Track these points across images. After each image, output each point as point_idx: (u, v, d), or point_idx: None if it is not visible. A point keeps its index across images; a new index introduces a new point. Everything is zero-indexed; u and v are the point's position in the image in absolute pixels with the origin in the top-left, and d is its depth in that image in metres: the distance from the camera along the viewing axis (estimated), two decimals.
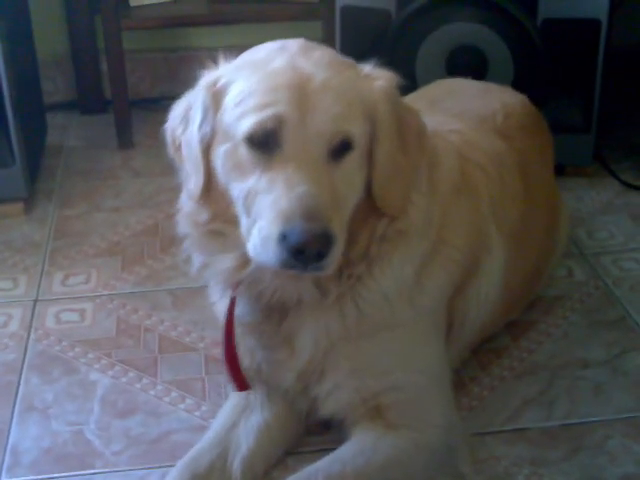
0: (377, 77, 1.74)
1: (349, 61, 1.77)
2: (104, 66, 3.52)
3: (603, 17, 2.89)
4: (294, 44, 1.74)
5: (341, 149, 1.65)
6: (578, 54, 2.97)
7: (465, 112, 2.29)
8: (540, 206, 2.30)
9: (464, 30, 2.96)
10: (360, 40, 3.05)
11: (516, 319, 2.37)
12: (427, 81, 2.67)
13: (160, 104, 3.65)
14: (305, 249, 1.55)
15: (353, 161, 1.68)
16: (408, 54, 3.00)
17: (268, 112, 1.62)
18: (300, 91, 1.63)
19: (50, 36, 3.63)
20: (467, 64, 2.96)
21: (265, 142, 1.62)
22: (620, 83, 3.39)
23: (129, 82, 3.46)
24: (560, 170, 2.90)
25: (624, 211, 2.95)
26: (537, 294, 2.46)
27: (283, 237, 1.56)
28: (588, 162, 3.13)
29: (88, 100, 3.73)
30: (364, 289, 1.80)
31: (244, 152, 1.65)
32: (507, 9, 2.89)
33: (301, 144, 1.61)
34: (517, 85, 2.70)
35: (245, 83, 1.68)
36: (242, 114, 1.65)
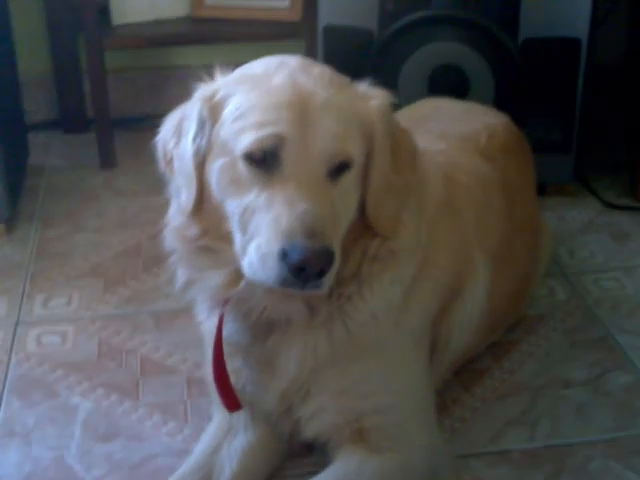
0: (373, 96, 1.74)
1: (346, 79, 1.77)
2: (86, 85, 3.51)
3: (583, 36, 2.91)
4: (293, 60, 1.74)
5: (340, 168, 1.65)
6: (559, 73, 2.99)
7: (449, 132, 2.30)
8: (523, 226, 2.31)
9: (446, 50, 2.98)
10: (342, 60, 3.02)
11: (498, 339, 2.38)
12: (409, 100, 2.68)
13: (143, 123, 3.66)
14: (307, 266, 1.55)
15: (350, 180, 1.68)
16: (390, 73, 3.00)
17: (269, 130, 1.61)
18: (301, 109, 1.62)
19: (32, 55, 3.62)
20: (449, 83, 2.97)
21: (264, 159, 1.61)
22: (601, 102, 3.41)
23: (111, 101, 3.45)
24: (541, 189, 2.91)
25: (605, 230, 2.97)
26: (520, 315, 2.47)
27: (284, 254, 1.55)
28: (569, 181, 3.14)
29: (70, 119, 3.72)
30: (353, 309, 1.80)
31: (242, 168, 1.64)
32: (488, 29, 2.91)
33: (302, 163, 1.61)
34: (498, 104, 2.72)
35: (244, 98, 1.66)
36: (241, 130, 1.64)
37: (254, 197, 1.62)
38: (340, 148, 1.64)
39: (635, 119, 3.19)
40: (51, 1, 3.54)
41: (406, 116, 2.45)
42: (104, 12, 3.40)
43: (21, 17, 3.51)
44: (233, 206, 1.66)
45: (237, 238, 1.66)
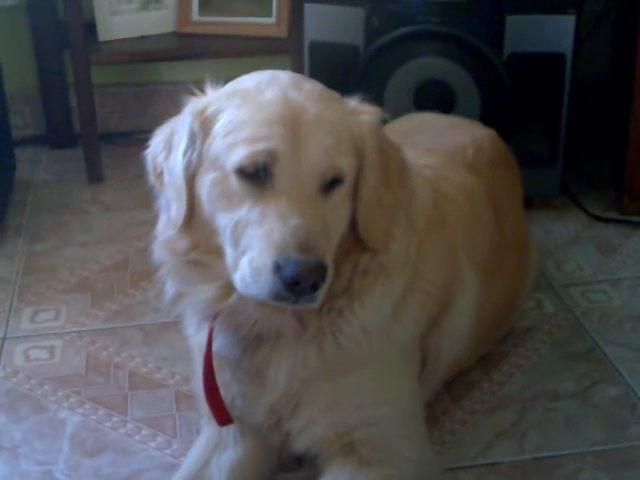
0: (363, 112, 1.75)
1: (336, 95, 1.77)
2: (73, 101, 3.52)
3: (568, 51, 2.93)
4: (284, 75, 1.74)
5: (331, 183, 1.65)
6: (544, 88, 3.01)
7: (435, 147, 2.30)
8: (510, 240, 2.32)
9: (431, 65, 2.99)
10: (329, 75, 3.04)
11: (487, 351, 2.38)
12: (395, 115, 2.68)
13: (129, 138, 3.67)
14: (300, 280, 1.54)
15: (342, 195, 1.68)
16: (376, 89, 3.02)
17: (261, 146, 1.60)
18: (293, 124, 1.62)
19: (19, 71, 3.62)
20: (435, 98, 2.98)
21: (257, 174, 1.61)
22: (586, 116, 3.44)
23: (98, 117, 3.45)
24: (528, 203, 2.92)
25: (591, 243, 2.98)
26: (509, 327, 2.47)
27: (277, 268, 1.55)
28: (555, 194, 3.16)
29: (57, 135, 3.72)
30: (344, 323, 1.79)
31: (234, 182, 1.63)
32: (473, 44, 2.92)
33: (294, 178, 1.60)
34: (484, 119, 2.74)
35: (236, 112, 1.66)
36: (233, 144, 1.63)
37: (246, 211, 1.62)
38: (332, 163, 1.64)
39: (620, 133, 3.21)
40: (37, 17, 3.54)
41: (392, 130, 2.45)
42: (90, 28, 3.39)
43: (7, 32, 3.52)
44: (224, 220, 1.66)
45: (228, 252, 1.66)
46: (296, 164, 1.61)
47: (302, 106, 1.65)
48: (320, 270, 1.56)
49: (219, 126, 1.67)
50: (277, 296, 1.58)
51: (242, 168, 1.62)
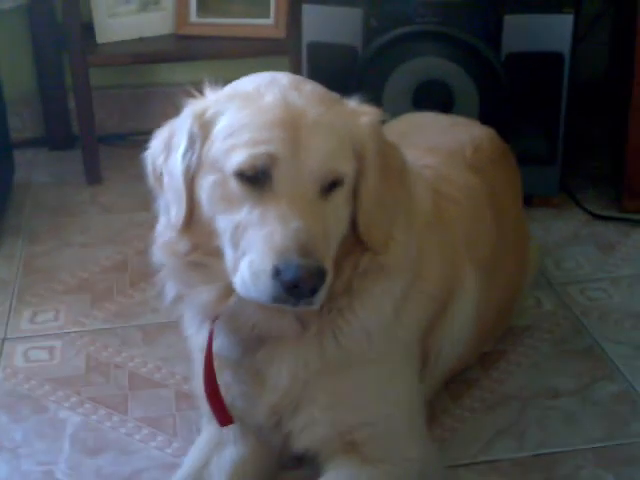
0: (363, 113, 1.74)
1: (336, 96, 1.76)
2: (72, 103, 3.51)
3: (566, 51, 2.94)
4: (284, 78, 1.73)
5: (331, 185, 1.65)
6: (542, 87, 3.01)
7: (434, 146, 2.30)
8: (510, 238, 2.32)
9: (430, 65, 3.00)
10: (327, 76, 3.03)
11: (488, 350, 2.38)
12: (394, 115, 2.68)
13: (128, 140, 3.67)
14: (300, 284, 1.55)
15: (342, 197, 1.68)
16: (375, 89, 3.02)
17: (260, 149, 1.60)
18: (293, 128, 1.61)
19: (17, 73, 3.62)
20: (433, 98, 2.99)
21: (256, 177, 1.61)
22: (585, 114, 3.44)
23: (97, 118, 3.45)
24: (527, 201, 2.92)
25: (590, 241, 2.99)
26: (508, 325, 2.47)
27: (277, 272, 1.55)
28: (554, 193, 3.16)
29: (56, 136, 3.72)
30: (345, 323, 1.79)
31: (233, 185, 1.63)
32: (472, 44, 2.93)
33: (294, 181, 1.60)
34: (483, 118, 2.73)
35: (236, 115, 1.66)
36: (232, 147, 1.63)
37: (246, 214, 1.62)
38: (332, 166, 1.64)
39: (619, 131, 3.22)
40: (36, 19, 3.54)
41: (391, 130, 2.46)
42: (88, 30, 3.40)
43: (6, 35, 3.52)
44: (224, 222, 1.65)
45: (228, 254, 1.66)
46: (296, 167, 1.60)
47: (302, 109, 1.65)
48: (319, 274, 1.56)
49: (219, 129, 1.67)
50: (277, 299, 1.58)
51: (242, 171, 1.62)
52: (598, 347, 2.44)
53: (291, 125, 1.62)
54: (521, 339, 2.47)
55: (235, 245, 1.63)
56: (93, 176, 3.42)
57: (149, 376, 2.36)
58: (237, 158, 1.62)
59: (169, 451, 2.10)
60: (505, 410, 2.21)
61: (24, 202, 3.31)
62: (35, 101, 3.70)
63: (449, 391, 2.26)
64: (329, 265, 1.61)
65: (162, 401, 2.26)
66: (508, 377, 2.33)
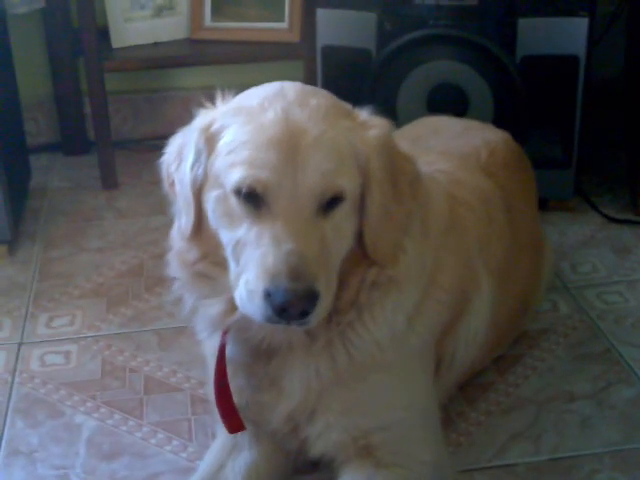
0: (372, 126, 1.72)
1: (345, 108, 1.75)
2: (87, 108, 3.52)
3: (581, 53, 2.93)
4: (291, 89, 1.72)
5: (332, 202, 1.64)
6: (557, 90, 3.00)
7: (449, 150, 2.30)
8: (525, 242, 2.32)
9: (444, 68, 3.00)
10: (341, 79, 3.08)
11: (502, 353, 2.38)
12: (408, 119, 2.69)
13: (143, 144, 3.68)
14: (288, 308, 1.56)
15: (344, 212, 1.67)
16: (389, 92, 3.03)
17: (256, 169, 1.61)
18: (291, 147, 1.61)
19: (33, 78, 3.64)
20: (448, 102, 2.99)
21: (253, 196, 1.62)
22: (599, 117, 3.43)
23: (112, 123, 3.47)
24: (543, 204, 2.92)
25: (606, 244, 2.98)
26: (523, 329, 2.47)
27: (267, 294, 1.56)
28: (570, 196, 3.15)
29: (72, 141, 3.74)
30: (355, 335, 1.79)
31: (233, 202, 1.64)
32: (486, 47, 2.92)
33: (290, 201, 1.60)
34: (498, 122, 2.73)
35: (238, 131, 1.66)
36: (232, 164, 1.64)
37: (245, 231, 1.63)
38: (330, 184, 1.63)
39: (635, 134, 3.21)
40: (51, 24, 3.56)
41: (405, 135, 2.46)
42: (104, 35, 3.42)
43: (22, 41, 3.53)
44: (227, 237, 1.67)
45: (232, 267, 1.67)
46: (292, 188, 1.60)
47: (303, 127, 1.64)
48: (309, 298, 1.57)
49: (222, 144, 1.68)
50: (269, 320, 1.60)
51: (239, 189, 1.63)
52: (614, 351, 2.43)
53: (289, 145, 1.61)
54: (537, 343, 2.47)
55: (236, 260, 1.65)
56: (109, 181, 3.43)
57: (164, 380, 2.37)
58: (235, 176, 1.63)
59: (184, 455, 2.10)
60: (521, 414, 2.21)
61: (40, 207, 3.33)
62: (50, 106, 3.72)
63: (464, 395, 2.25)
64: (324, 286, 1.60)
65: (177, 405, 2.27)
66: (524, 381, 2.32)
